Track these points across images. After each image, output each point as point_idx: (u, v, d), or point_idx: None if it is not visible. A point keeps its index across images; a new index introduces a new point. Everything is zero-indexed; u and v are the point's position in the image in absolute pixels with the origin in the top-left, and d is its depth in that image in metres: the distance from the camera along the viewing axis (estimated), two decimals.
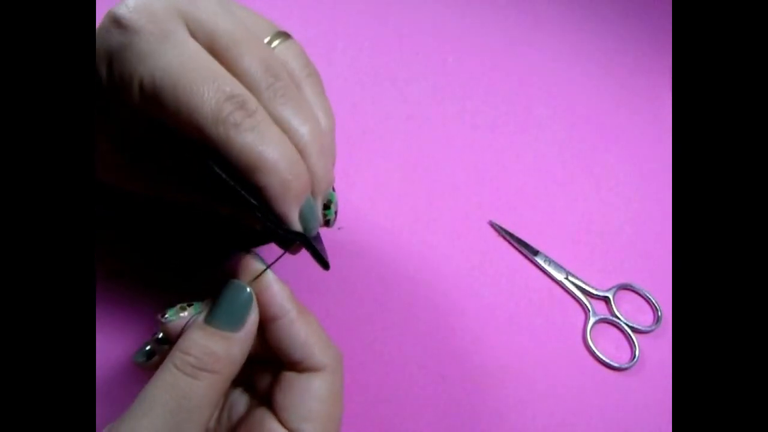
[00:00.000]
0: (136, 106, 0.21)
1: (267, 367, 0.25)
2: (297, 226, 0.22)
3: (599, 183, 0.44)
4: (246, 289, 0.23)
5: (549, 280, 0.39)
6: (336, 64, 0.47)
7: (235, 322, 0.22)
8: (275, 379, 0.24)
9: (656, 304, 0.38)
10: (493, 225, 0.40)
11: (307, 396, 0.23)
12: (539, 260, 0.39)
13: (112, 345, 0.31)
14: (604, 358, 0.35)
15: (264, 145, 0.20)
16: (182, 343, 0.22)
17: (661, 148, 0.47)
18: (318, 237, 0.24)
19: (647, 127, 0.48)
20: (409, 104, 0.45)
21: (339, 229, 0.38)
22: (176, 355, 0.21)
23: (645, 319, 0.38)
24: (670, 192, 0.44)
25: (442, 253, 0.38)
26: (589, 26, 0.55)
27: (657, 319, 0.38)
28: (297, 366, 0.24)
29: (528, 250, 0.39)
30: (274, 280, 0.23)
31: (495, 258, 0.39)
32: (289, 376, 0.24)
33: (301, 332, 0.23)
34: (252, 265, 0.23)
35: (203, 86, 0.20)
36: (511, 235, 0.40)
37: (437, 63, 0.49)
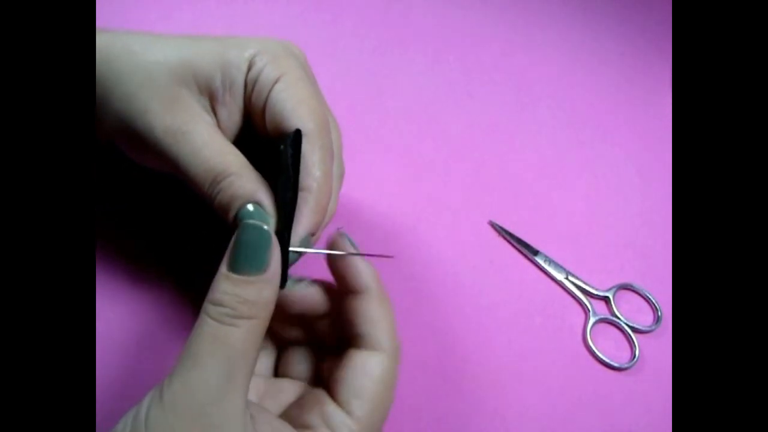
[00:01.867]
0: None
1: (326, 353, 0.27)
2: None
3: (599, 183, 0.44)
4: (261, 227, 0.22)
5: (549, 280, 0.39)
6: (336, 64, 0.47)
7: (258, 265, 0.22)
8: (334, 360, 0.25)
9: (656, 304, 0.38)
10: (493, 225, 0.40)
11: (362, 372, 0.24)
12: (539, 260, 0.39)
13: (112, 344, 0.31)
14: (604, 358, 0.35)
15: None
16: (212, 295, 0.22)
17: (661, 148, 0.47)
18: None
19: (647, 127, 0.48)
20: (409, 104, 0.45)
21: (339, 229, 0.38)
22: (209, 308, 0.21)
23: (645, 319, 0.38)
24: (670, 192, 0.44)
25: (442, 253, 0.38)
26: (590, 26, 0.55)
27: (657, 319, 0.38)
28: (360, 341, 0.24)
29: (528, 250, 0.39)
30: (361, 258, 0.25)
31: (495, 258, 0.39)
32: (349, 353, 0.24)
33: (376, 312, 0.24)
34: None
35: None
36: (511, 235, 0.40)
37: (437, 63, 0.49)
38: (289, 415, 0.24)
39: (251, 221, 0.23)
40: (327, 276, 0.27)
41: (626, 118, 0.49)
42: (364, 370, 0.24)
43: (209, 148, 0.25)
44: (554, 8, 0.56)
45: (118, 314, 0.32)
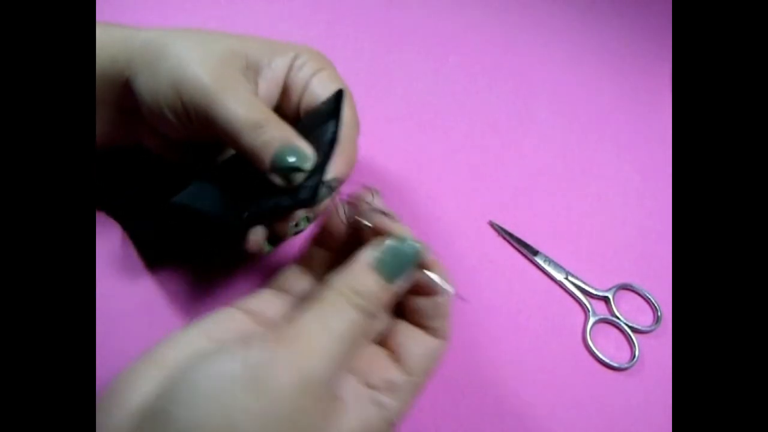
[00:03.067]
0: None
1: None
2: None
3: (599, 183, 0.44)
4: (416, 246, 0.25)
5: (549, 280, 0.39)
6: (336, 62, 0.47)
7: (399, 275, 0.24)
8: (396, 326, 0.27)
9: (656, 304, 0.38)
10: (493, 225, 0.40)
11: (424, 348, 0.26)
12: (539, 260, 0.39)
13: (112, 343, 0.31)
14: (604, 358, 0.35)
15: None
16: (355, 283, 0.23)
17: (661, 148, 0.47)
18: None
19: (647, 127, 0.48)
20: (409, 104, 0.45)
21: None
22: (350, 295, 0.23)
23: (645, 319, 0.38)
24: (670, 192, 0.44)
25: (442, 253, 0.38)
26: (590, 27, 0.55)
27: (657, 319, 0.38)
28: (428, 328, 0.26)
29: (528, 250, 0.39)
30: (439, 263, 0.26)
31: (495, 258, 0.39)
32: (420, 332, 0.26)
33: (447, 310, 0.26)
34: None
35: None
36: (511, 235, 0.40)
37: (437, 63, 0.49)
38: (358, 369, 0.25)
39: (408, 239, 0.25)
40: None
41: (626, 118, 0.49)
42: (427, 347, 0.26)
43: (253, 100, 0.27)
44: (554, 8, 0.56)
45: (119, 312, 0.32)
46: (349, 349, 0.22)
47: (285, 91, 0.31)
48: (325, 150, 0.27)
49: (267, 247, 0.29)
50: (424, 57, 0.49)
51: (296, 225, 0.29)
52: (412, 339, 0.26)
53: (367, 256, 0.24)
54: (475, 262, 0.38)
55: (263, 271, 0.35)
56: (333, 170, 0.27)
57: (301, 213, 0.28)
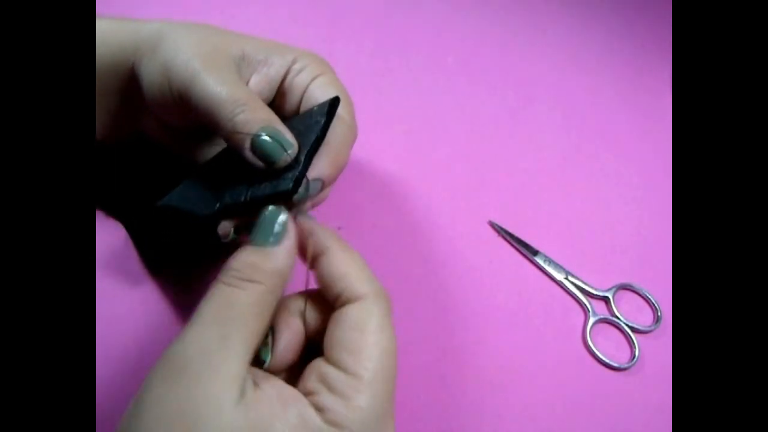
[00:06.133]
0: None
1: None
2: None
3: (599, 183, 0.44)
4: (280, 209, 0.24)
5: (549, 280, 0.39)
6: (335, 63, 0.46)
7: (271, 238, 0.24)
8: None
9: (656, 304, 0.38)
10: (493, 225, 0.40)
11: (346, 326, 0.23)
12: (539, 260, 0.39)
13: (113, 343, 0.31)
14: (604, 358, 0.35)
15: None
16: (229, 261, 0.23)
17: (661, 148, 0.47)
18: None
19: (647, 127, 0.48)
20: (409, 104, 0.45)
21: (339, 228, 0.38)
22: (222, 272, 0.23)
23: (645, 319, 0.38)
24: (670, 192, 0.44)
25: (441, 253, 0.38)
26: (590, 26, 0.55)
27: (657, 319, 0.38)
28: (339, 299, 0.24)
29: (528, 250, 0.39)
30: (316, 223, 0.26)
31: (495, 258, 0.39)
32: (334, 314, 0.24)
33: (342, 265, 0.24)
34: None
35: None
36: (511, 235, 0.40)
37: (437, 63, 0.49)
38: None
39: (271, 207, 0.24)
40: None
41: (626, 119, 0.49)
42: (348, 323, 0.23)
43: (237, 82, 0.27)
44: (554, 8, 0.56)
45: (118, 314, 0.32)
46: (222, 322, 0.21)
47: (283, 95, 0.30)
48: (311, 145, 0.26)
49: (231, 235, 0.28)
50: (424, 57, 0.49)
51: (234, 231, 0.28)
52: (333, 326, 0.23)
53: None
54: (475, 262, 0.38)
55: None
56: (317, 169, 0.26)
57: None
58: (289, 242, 0.24)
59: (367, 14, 0.51)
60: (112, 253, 0.34)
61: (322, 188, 0.27)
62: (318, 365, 0.23)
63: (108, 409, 0.28)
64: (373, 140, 0.42)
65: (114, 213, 0.34)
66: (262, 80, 0.30)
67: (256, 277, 0.22)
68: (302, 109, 0.30)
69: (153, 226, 0.33)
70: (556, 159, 0.45)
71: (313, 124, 0.27)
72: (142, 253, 0.34)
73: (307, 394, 0.22)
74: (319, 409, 0.21)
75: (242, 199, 0.26)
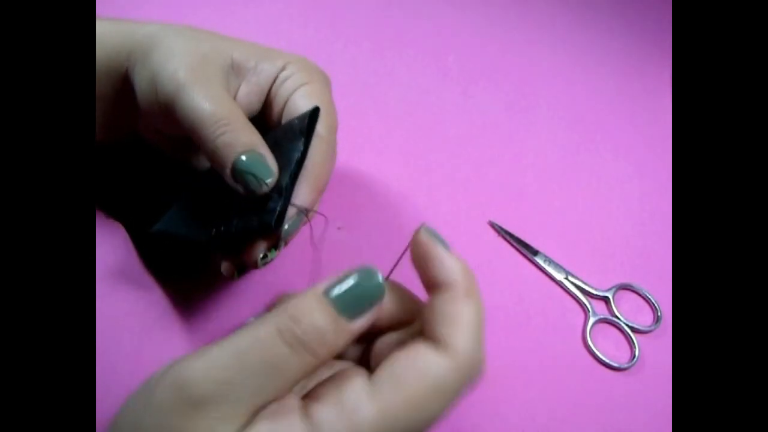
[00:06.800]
0: None
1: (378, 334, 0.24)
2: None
3: (599, 183, 0.44)
4: (379, 278, 0.21)
5: (549, 280, 0.39)
6: (335, 63, 0.47)
7: (356, 312, 0.20)
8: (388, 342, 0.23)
9: (656, 304, 0.38)
10: (493, 225, 0.40)
11: (412, 363, 0.20)
12: (539, 260, 0.39)
13: (113, 342, 0.31)
14: (604, 358, 0.35)
15: None
16: (294, 308, 0.20)
17: (661, 148, 0.47)
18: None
19: (647, 127, 0.48)
20: (408, 104, 0.45)
21: (339, 228, 0.38)
22: (283, 319, 0.19)
23: (645, 319, 0.38)
24: (670, 192, 0.44)
25: None
26: (590, 26, 0.55)
27: (657, 319, 0.38)
28: (432, 339, 0.21)
29: (528, 250, 0.39)
30: (447, 251, 0.22)
31: (495, 258, 0.39)
32: (415, 341, 0.21)
33: (458, 312, 0.21)
34: (423, 235, 0.22)
35: None
36: (511, 235, 0.40)
37: (437, 62, 0.49)
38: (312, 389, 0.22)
39: (371, 267, 0.21)
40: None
41: (626, 118, 0.49)
42: (417, 362, 0.20)
43: (223, 97, 0.26)
44: (554, 8, 0.56)
45: (118, 315, 0.32)
46: (257, 376, 0.19)
47: (269, 103, 0.30)
48: (292, 171, 0.25)
49: (236, 275, 0.28)
50: (424, 57, 0.49)
51: (263, 257, 0.27)
52: (402, 351, 0.20)
53: (318, 285, 0.20)
54: (475, 262, 0.38)
55: (266, 282, 0.35)
56: (299, 198, 0.26)
57: (263, 244, 0.27)
58: (368, 321, 0.21)
59: (367, 14, 0.51)
60: (112, 253, 0.33)
61: (305, 212, 0.26)
62: (350, 375, 0.21)
63: (108, 410, 0.28)
64: (373, 140, 0.42)
65: (114, 213, 0.34)
66: (251, 90, 0.29)
67: (316, 350, 0.19)
68: (284, 119, 0.29)
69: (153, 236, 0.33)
70: (557, 159, 0.45)
71: (294, 138, 0.26)
72: (142, 253, 0.34)
73: (315, 399, 0.20)
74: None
75: (232, 229, 0.26)
